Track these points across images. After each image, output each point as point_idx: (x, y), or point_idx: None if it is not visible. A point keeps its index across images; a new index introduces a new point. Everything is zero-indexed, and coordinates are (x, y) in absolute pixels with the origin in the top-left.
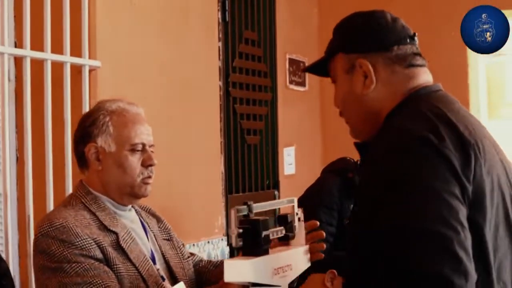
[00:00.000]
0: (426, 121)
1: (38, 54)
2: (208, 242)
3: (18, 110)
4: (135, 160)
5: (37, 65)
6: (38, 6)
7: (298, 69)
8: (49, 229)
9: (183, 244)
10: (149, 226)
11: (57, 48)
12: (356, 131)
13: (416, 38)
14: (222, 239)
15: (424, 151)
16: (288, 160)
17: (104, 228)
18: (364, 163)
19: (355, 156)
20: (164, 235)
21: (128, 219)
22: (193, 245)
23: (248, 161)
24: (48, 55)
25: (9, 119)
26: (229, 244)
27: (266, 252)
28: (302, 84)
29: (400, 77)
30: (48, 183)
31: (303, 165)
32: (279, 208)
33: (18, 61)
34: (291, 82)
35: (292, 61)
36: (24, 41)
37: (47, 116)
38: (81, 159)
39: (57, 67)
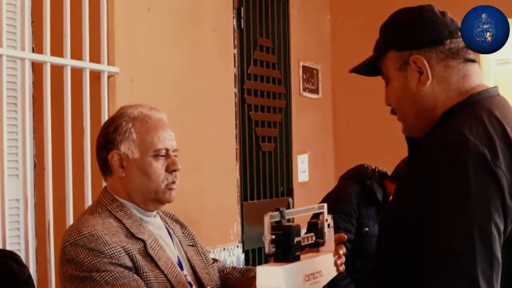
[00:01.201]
0: (484, 133)
1: (58, 60)
2: (224, 249)
3: (35, 115)
4: (159, 166)
5: (56, 70)
6: (57, 12)
7: (311, 76)
8: (77, 238)
9: (207, 250)
10: (174, 232)
11: (76, 54)
12: (410, 127)
13: None
14: (237, 246)
15: (477, 169)
16: (302, 168)
17: (131, 235)
18: (414, 161)
19: (369, 162)
20: (188, 241)
21: (154, 226)
22: (209, 252)
23: (263, 168)
24: (68, 61)
25: (28, 125)
26: (245, 251)
27: (297, 258)
28: (315, 91)
29: (454, 73)
30: (68, 188)
31: (316, 173)
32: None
33: (36, 67)
34: (304, 89)
35: (305, 68)
36: (44, 47)
37: (67, 121)
38: (104, 166)
39: (76, 72)
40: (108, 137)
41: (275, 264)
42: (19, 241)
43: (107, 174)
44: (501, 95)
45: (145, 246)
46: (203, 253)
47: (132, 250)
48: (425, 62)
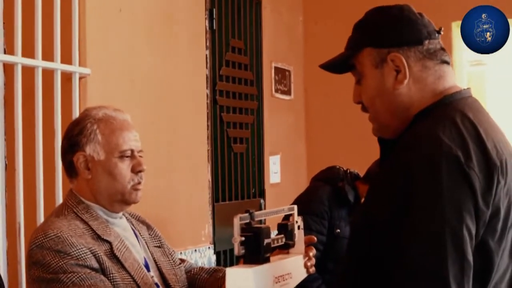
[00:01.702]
0: (457, 135)
1: (29, 61)
2: (195, 250)
3: (6, 117)
4: (124, 167)
5: (27, 72)
6: (28, 13)
7: (283, 78)
8: (43, 240)
9: (173, 251)
10: (140, 233)
11: (47, 55)
12: (383, 127)
13: (442, 32)
14: (209, 247)
15: (450, 171)
16: (274, 169)
17: (97, 237)
18: (386, 163)
19: (341, 164)
20: (155, 242)
21: (120, 227)
22: (180, 253)
23: (235, 170)
24: (39, 62)
25: None
26: (216, 252)
27: (267, 260)
28: (288, 93)
29: (431, 73)
30: (39, 190)
31: (288, 174)
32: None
33: (7, 68)
34: (276, 90)
35: (277, 70)
36: (15, 48)
37: (38, 123)
38: (69, 168)
39: (47, 74)
40: (73, 140)
41: (244, 265)
42: None
43: (72, 176)
44: (474, 97)
45: (111, 248)
46: (170, 254)
47: (98, 252)
48: (404, 61)
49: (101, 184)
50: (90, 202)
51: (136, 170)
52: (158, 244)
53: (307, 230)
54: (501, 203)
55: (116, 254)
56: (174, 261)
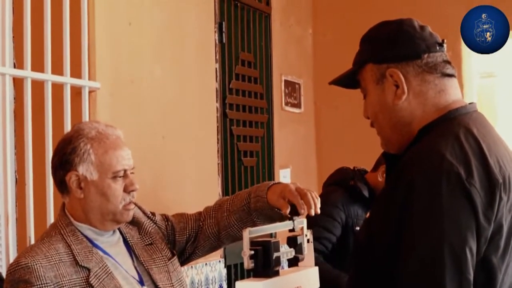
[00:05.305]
0: (460, 152)
1: (39, 75)
2: (206, 264)
3: (17, 131)
4: (117, 187)
5: (37, 86)
6: (38, 27)
7: (293, 91)
8: (16, 268)
9: (165, 243)
10: (131, 241)
11: (57, 69)
12: (387, 142)
13: (445, 45)
14: (219, 261)
15: (451, 188)
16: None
17: (76, 263)
18: (391, 178)
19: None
20: (146, 240)
21: (110, 244)
22: (191, 267)
23: (245, 183)
24: (48, 76)
25: (9, 141)
26: (227, 266)
27: (276, 274)
28: (298, 106)
29: (431, 87)
30: (49, 204)
31: None
32: None
33: (17, 82)
34: (286, 103)
35: (287, 83)
36: (25, 62)
37: (48, 137)
38: (61, 185)
39: (57, 88)
40: (65, 158)
41: (254, 279)
42: (1, 257)
43: (64, 193)
44: (479, 112)
45: (88, 275)
46: (162, 249)
47: (68, 284)
48: (401, 76)
49: (94, 204)
50: (80, 223)
51: (128, 190)
52: (149, 242)
53: (316, 226)
54: (503, 219)
55: (92, 282)
56: (166, 256)
